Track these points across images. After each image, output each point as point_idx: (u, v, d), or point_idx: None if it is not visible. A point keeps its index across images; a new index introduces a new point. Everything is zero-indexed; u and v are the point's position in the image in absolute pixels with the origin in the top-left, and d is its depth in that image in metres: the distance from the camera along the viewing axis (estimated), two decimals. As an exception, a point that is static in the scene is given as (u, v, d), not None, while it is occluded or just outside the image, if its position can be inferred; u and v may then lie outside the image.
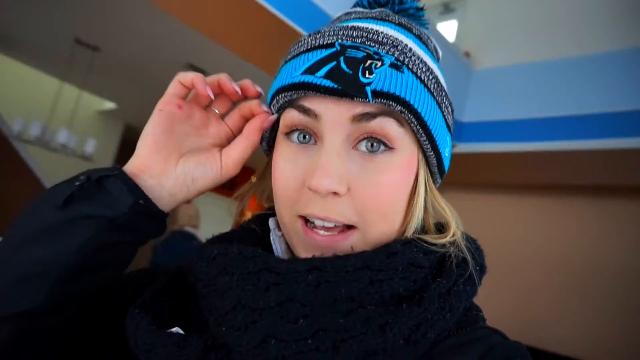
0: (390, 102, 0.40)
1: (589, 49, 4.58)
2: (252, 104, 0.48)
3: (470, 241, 0.47)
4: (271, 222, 0.49)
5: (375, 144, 0.42)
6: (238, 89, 0.48)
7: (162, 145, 0.46)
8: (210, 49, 3.53)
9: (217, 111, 0.51)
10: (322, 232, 0.42)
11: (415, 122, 0.42)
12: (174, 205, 0.47)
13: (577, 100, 4.53)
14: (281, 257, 0.46)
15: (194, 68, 4.18)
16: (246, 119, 0.49)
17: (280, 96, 0.44)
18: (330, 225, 0.42)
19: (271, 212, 0.52)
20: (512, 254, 4.75)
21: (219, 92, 0.49)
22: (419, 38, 0.48)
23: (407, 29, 0.47)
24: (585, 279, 4.24)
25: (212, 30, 3.31)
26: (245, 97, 0.49)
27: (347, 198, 0.41)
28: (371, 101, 0.40)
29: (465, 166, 5.22)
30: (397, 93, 0.40)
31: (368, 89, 0.40)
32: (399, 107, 0.41)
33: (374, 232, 0.43)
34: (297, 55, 0.45)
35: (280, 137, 0.46)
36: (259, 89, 0.49)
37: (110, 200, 0.42)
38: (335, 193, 0.41)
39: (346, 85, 0.40)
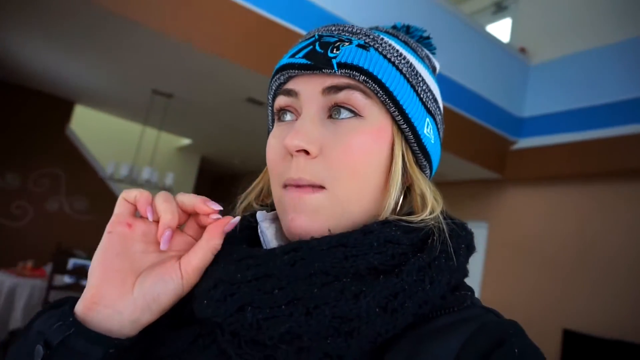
0: (354, 73, 0.44)
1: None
2: (208, 216, 0.46)
3: (456, 221, 0.48)
4: (259, 215, 0.50)
5: (343, 111, 0.45)
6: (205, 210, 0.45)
7: (114, 269, 0.42)
8: (265, 83, 3.86)
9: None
10: (294, 189, 0.44)
11: (382, 93, 0.45)
12: (140, 329, 0.42)
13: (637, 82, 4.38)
14: (267, 247, 0.48)
15: (253, 101, 4.60)
16: (205, 226, 0.46)
17: (272, 82, 0.50)
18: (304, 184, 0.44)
19: (264, 208, 0.54)
20: (586, 246, 4.61)
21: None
22: (406, 43, 0.51)
23: (394, 35, 0.51)
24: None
25: (265, 68, 3.69)
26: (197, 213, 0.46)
27: (320, 160, 0.44)
28: (336, 71, 0.44)
29: (530, 161, 5.16)
30: (360, 64, 0.44)
31: (334, 61, 0.44)
32: (363, 77, 0.44)
33: (342, 191, 0.44)
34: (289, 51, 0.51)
35: (275, 124, 0.49)
36: (219, 216, 0.45)
37: (78, 357, 0.39)
38: (306, 153, 0.43)
39: (316, 61, 0.45)
